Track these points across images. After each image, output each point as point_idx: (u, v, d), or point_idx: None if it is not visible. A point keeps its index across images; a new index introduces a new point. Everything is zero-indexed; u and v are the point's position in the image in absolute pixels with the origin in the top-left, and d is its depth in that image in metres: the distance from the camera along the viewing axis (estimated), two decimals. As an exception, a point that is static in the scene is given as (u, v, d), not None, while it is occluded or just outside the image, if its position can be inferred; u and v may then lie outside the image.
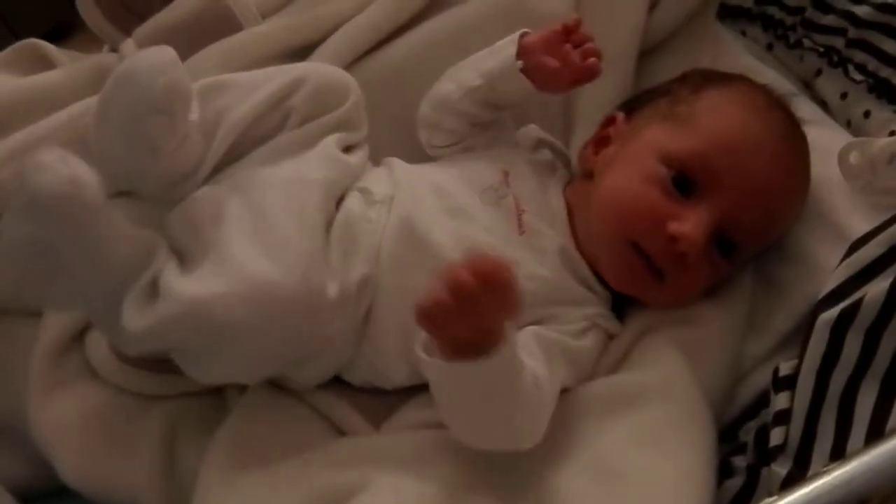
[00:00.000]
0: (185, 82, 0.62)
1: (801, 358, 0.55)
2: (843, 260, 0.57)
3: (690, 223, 0.61)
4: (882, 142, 0.66)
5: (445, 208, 0.65)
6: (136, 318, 0.57)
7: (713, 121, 0.65)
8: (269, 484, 0.59)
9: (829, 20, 0.80)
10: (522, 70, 0.67)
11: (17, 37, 0.85)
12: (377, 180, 0.68)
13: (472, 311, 0.49)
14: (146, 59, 0.61)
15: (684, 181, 0.63)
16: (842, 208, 0.68)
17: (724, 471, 0.60)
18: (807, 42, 0.83)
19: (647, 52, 0.84)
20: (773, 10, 0.87)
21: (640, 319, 0.67)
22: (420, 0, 0.80)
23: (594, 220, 0.66)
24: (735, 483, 0.59)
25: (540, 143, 0.75)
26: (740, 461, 0.60)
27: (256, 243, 0.58)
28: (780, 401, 0.56)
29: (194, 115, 0.63)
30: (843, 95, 0.79)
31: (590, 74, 0.66)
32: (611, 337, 0.67)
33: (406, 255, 0.63)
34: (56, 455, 0.66)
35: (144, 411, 0.68)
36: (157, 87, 0.59)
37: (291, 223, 0.60)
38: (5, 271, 0.59)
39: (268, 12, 0.79)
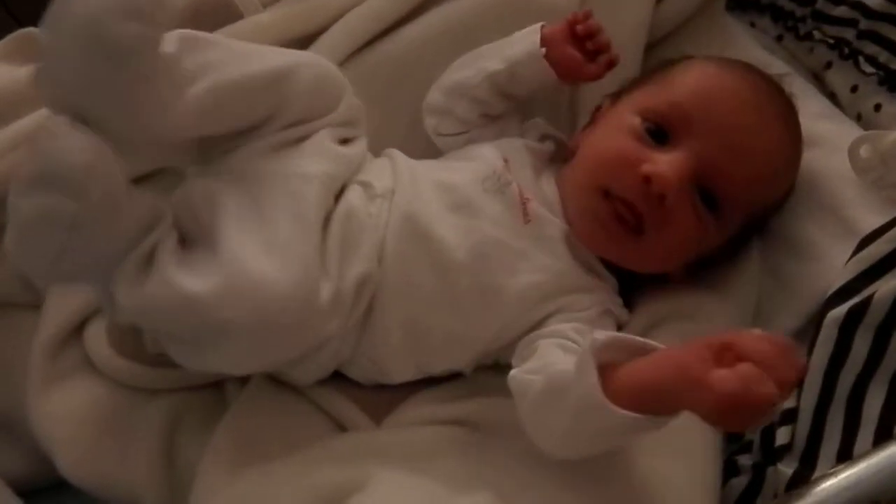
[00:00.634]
0: (148, 33, 0.53)
1: (808, 355, 0.54)
2: (852, 256, 0.56)
3: (664, 164, 0.61)
4: (893, 135, 0.65)
5: (449, 203, 0.64)
6: (128, 291, 0.56)
7: (688, 76, 0.67)
8: (269, 479, 0.59)
9: (840, 11, 0.79)
10: (546, 58, 0.67)
11: (21, 24, 0.84)
12: (378, 173, 0.66)
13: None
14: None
15: (659, 131, 0.64)
16: (852, 203, 0.67)
17: (729, 469, 0.60)
18: (817, 34, 0.81)
19: (655, 45, 0.83)
20: (783, 1, 0.85)
21: (648, 312, 0.66)
22: (421, -8, 0.79)
23: (570, 176, 0.66)
24: (741, 482, 0.58)
25: (545, 137, 0.74)
26: (746, 460, 0.59)
27: (255, 240, 0.57)
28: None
29: (170, 48, 0.55)
30: (854, 88, 0.77)
31: (609, 67, 0.68)
32: (620, 326, 0.65)
33: (410, 251, 0.62)
34: (55, 449, 0.66)
35: (144, 405, 0.68)
36: (112, 26, 0.50)
37: (290, 221, 0.58)
38: (17, 250, 0.55)
39: (268, 1, 0.78)
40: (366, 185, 0.65)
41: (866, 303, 0.52)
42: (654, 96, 0.65)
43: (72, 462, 0.66)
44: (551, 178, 0.69)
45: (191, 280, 0.55)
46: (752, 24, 0.88)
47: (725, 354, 0.45)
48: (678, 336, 0.63)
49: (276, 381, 0.66)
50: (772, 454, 0.55)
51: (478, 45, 0.75)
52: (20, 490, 0.67)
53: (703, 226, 0.63)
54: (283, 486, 0.57)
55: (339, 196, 0.64)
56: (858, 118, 0.76)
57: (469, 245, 0.62)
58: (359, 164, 0.67)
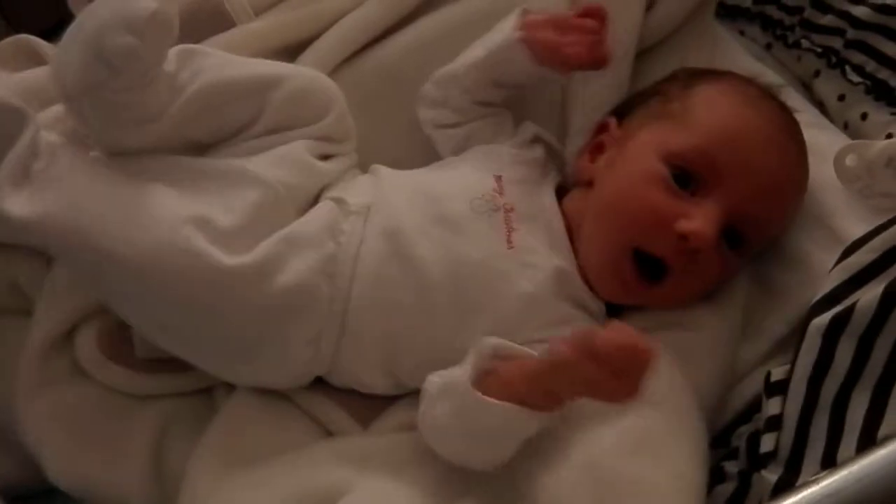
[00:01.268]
0: (171, 20, 0.59)
1: (793, 363, 0.55)
2: (836, 264, 0.56)
3: (700, 219, 0.60)
4: (880, 144, 0.65)
5: (433, 216, 0.64)
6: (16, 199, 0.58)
7: (709, 115, 0.65)
8: (256, 484, 0.59)
9: (828, 20, 0.80)
10: (523, 41, 0.66)
11: (17, 31, 0.84)
12: (356, 190, 0.66)
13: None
14: None
15: (686, 178, 0.62)
16: (839, 212, 0.67)
17: (716, 476, 0.60)
18: (805, 42, 0.82)
19: (645, 52, 0.83)
20: (772, 10, 0.86)
21: (634, 322, 0.66)
22: (414, -2, 0.79)
23: (595, 226, 0.65)
24: (727, 488, 0.58)
25: (535, 140, 0.74)
26: (732, 467, 0.60)
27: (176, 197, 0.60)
28: (771, 406, 0.56)
29: (170, 67, 0.61)
30: (841, 97, 0.78)
31: (592, 59, 0.65)
32: None
33: (387, 269, 0.62)
34: (44, 455, 0.66)
35: (133, 411, 0.68)
36: (140, 8, 0.57)
37: (210, 202, 0.60)
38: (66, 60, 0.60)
39: (261, 9, 0.78)
40: (339, 202, 0.65)
41: (849, 311, 0.52)
42: (676, 137, 0.63)
43: (61, 467, 0.66)
44: (551, 194, 0.68)
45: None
46: (742, 33, 0.89)
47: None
48: (665, 345, 0.63)
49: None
50: (757, 461, 0.55)
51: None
52: (9, 495, 0.67)
53: (727, 266, 0.64)
54: (269, 490, 0.58)
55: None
56: (845, 127, 0.77)
57: (447, 263, 0.62)
58: (332, 179, 0.67)
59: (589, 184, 0.69)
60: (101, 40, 0.57)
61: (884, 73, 0.75)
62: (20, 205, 0.59)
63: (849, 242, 0.58)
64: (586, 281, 0.66)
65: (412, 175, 0.70)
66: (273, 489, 0.58)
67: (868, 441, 0.50)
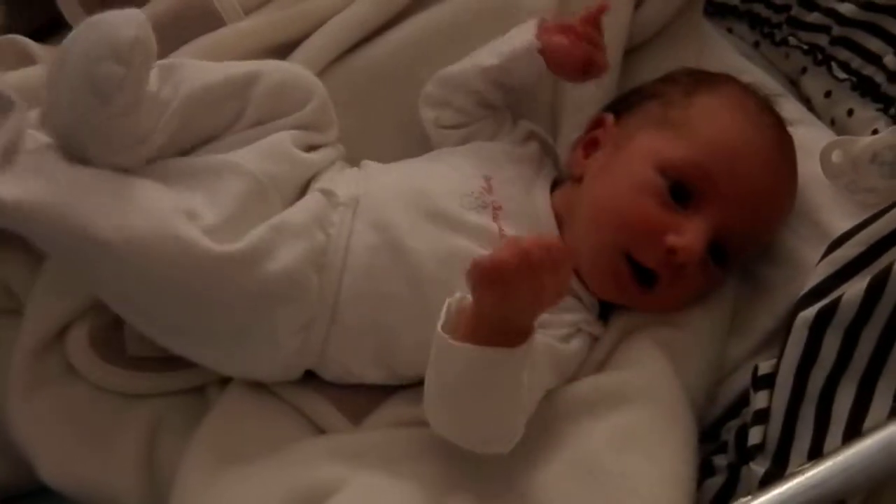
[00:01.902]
0: (150, 43, 0.60)
1: (779, 357, 0.55)
2: (822, 258, 0.57)
3: (689, 235, 0.61)
4: (865, 140, 0.66)
5: (424, 210, 0.65)
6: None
7: (708, 129, 0.65)
8: (248, 481, 0.59)
9: (814, 18, 0.80)
10: (542, 51, 0.67)
11: (9, 31, 0.84)
12: (345, 182, 0.67)
13: (533, 282, 0.50)
14: (118, 12, 0.60)
15: (681, 190, 0.63)
16: (826, 207, 0.68)
17: (705, 470, 0.60)
18: (792, 40, 0.83)
19: (633, 50, 0.83)
20: (760, 8, 0.87)
21: (624, 320, 0.67)
22: (404, -3, 0.79)
23: (585, 226, 0.65)
24: (716, 482, 0.59)
25: (530, 136, 0.74)
26: (721, 460, 0.60)
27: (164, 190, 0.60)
28: (759, 400, 0.56)
29: (153, 87, 0.62)
30: (828, 94, 0.79)
31: (596, 68, 0.66)
32: (595, 339, 0.66)
33: (379, 261, 0.63)
34: (36, 454, 0.66)
35: (125, 410, 0.68)
36: (121, 36, 0.58)
37: (198, 198, 0.60)
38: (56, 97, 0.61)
39: (250, 8, 0.78)
40: (328, 193, 0.65)
41: (835, 304, 0.53)
42: (674, 147, 0.64)
43: (53, 467, 0.66)
44: (545, 194, 0.69)
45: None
46: (730, 30, 0.89)
47: None
48: (654, 341, 0.64)
49: (256, 384, 0.67)
50: (745, 454, 0.56)
51: (460, 49, 0.76)
52: (1, 496, 0.67)
53: (712, 280, 0.65)
54: (261, 487, 0.58)
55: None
56: (832, 123, 0.77)
57: (440, 256, 0.63)
58: (318, 170, 0.67)
59: (579, 179, 0.69)
60: (89, 72, 0.58)
61: (869, 70, 0.75)
62: (5, 187, 0.58)
63: (833, 237, 0.59)
64: (577, 273, 0.66)
65: (402, 168, 0.71)
66: (266, 485, 0.58)
67: (854, 432, 0.50)
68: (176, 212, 0.59)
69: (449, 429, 0.57)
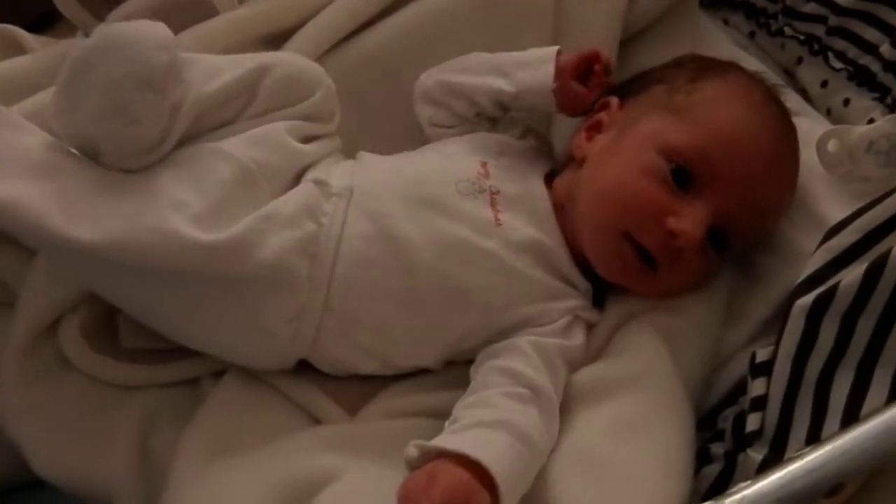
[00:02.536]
0: (178, 63, 0.60)
1: (777, 344, 0.55)
2: (819, 246, 0.57)
3: (689, 219, 0.61)
4: (860, 129, 0.66)
5: (418, 198, 0.64)
6: None
7: (713, 116, 0.65)
8: (243, 471, 0.58)
9: (810, 8, 0.81)
10: (556, 93, 0.69)
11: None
12: (338, 173, 0.66)
13: None
14: (147, 30, 0.60)
15: (683, 175, 0.63)
16: (822, 197, 0.68)
17: (702, 458, 0.60)
18: (788, 30, 0.83)
19: (629, 40, 0.83)
20: (755, -1, 0.87)
21: (620, 307, 0.67)
22: (399, -14, 0.79)
23: (586, 208, 0.65)
24: (713, 469, 0.59)
25: (527, 131, 0.74)
26: (718, 448, 0.60)
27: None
28: (756, 387, 0.56)
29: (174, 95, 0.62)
30: (824, 84, 0.79)
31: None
32: (590, 326, 0.66)
33: (372, 250, 0.62)
34: (29, 447, 0.65)
35: (119, 402, 0.67)
36: (157, 63, 0.58)
37: (185, 188, 0.60)
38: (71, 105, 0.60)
39: (245, -3, 0.78)
40: (320, 184, 0.65)
41: (832, 291, 0.53)
42: (677, 133, 0.64)
43: (46, 460, 0.65)
44: (540, 181, 0.69)
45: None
46: (726, 22, 0.89)
47: None
48: (651, 329, 0.64)
49: (251, 375, 0.66)
50: (742, 441, 0.56)
51: (455, 38, 0.76)
52: (-4, 489, 0.66)
53: (711, 266, 0.65)
54: (257, 477, 0.57)
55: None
56: (828, 113, 0.78)
57: (435, 244, 0.62)
58: (312, 161, 0.67)
59: (581, 161, 0.69)
60: (119, 96, 0.58)
61: (865, 60, 0.75)
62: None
63: (829, 226, 0.59)
64: (574, 260, 0.66)
65: (396, 159, 0.70)
66: (261, 475, 0.57)
67: (852, 419, 0.50)
68: (161, 206, 0.59)
69: None
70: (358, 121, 0.75)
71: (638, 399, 0.59)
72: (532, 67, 0.70)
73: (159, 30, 0.60)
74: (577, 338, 0.64)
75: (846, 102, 0.76)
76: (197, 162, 0.62)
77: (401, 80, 0.75)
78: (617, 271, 0.65)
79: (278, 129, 0.65)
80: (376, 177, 0.66)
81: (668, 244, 0.62)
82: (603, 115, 0.70)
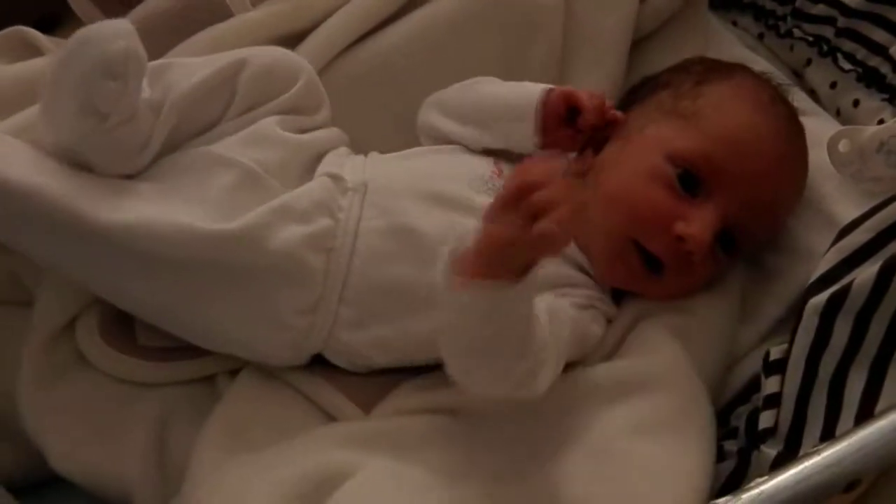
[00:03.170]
0: (141, 52, 0.61)
1: (790, 342, 0.56)
2: (832, 245, 0.57)
3: (697, 224, 0.62)
4: (871, 130, 0.66)
5: (433, 194, 0.65)
6: None
7: (719, 119, 0.65)
8: (259, 467, 0.59)
9: (819, 9, 0.81)
10: (539, 146, 0.68)
11: (4, 26, 0.83)
12: (353, 168, 0.67)
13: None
14: (105, 25, 0.61)
15: (690, 179, 0.63)
16: (832, 196, 0.69)
17: (716, 455, 0.60)
18: (797, 32, 0.83)
19: (639, 42, 0.84)
20: (764, 0, 0.87)
21: (635, 305, 0.67)
22: (410, -10, 0.80)
23: (596, 214, 0.65)
24: (726, 467, 0.59)
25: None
26: (731, 445, 0.61)
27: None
28: (770, 384, 0.57)
29: (146, 92, 0.63)
30: (833, 85, 0.79)
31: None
32: (609, 321, 0.67)
33: (388, 245, 0.63)
34: (47, 443, 0.66)
35: (136, 399, 0.68)
36: (113, 51, 0.58)
37: (191, 198, 0.61)
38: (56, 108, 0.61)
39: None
40: (336, 178, 0.65)
41: (846, 290, 0.53)
42: (683, 138, 0.64)
43: (64, 456, 0.66)
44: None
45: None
46: (734, 23, 0.90)
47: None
48: (666, 328, 0.64)
49: (266, 372, 0.67)
50: (756, 438, 0.56)
51: (464, 42, 0.76)
52: (11, 487, 0.66)
53: (720, 268, 0.66)
54: (273, 473, 0.58)
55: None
56: (837, 114, 0.78)
57: (451, 238, 0.63)
58: (318, 150, 0.68)
59: (589, 169, 0.69)
60: (85, 91, 0.58)
61: (874, 61, 0.76)
62: (14, 169, 0.59)
63: (840, 225, 0.59)
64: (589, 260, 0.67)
65: (410, 156, 0.71)
66: (278, 471, 0.58)
67: (866, 416, 0.51)
68: (171, 210, 0.60)
69: (473, 379, 0.56)
70: (367, 122, 0.75)
71: (659, 398, 0.59)
72: (517, 119, 0.68)
73: (116, 23, 0.61)
74: (595, 324, 0.64)
75: (856, 103, 0.76)
76: (197, 171, 0.63)
77: (411, 83, 0.76)
78: (620, 277, 0.65)
79: (269, 124, 0.66)
80: (390, 172, 0.67)
81: (677, 249, 0.62)
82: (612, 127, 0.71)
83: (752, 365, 0.64)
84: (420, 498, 0.56)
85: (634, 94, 0.74)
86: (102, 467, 0.66)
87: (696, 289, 0.66)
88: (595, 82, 0.78)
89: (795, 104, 0.72)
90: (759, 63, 0.81)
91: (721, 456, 0.60)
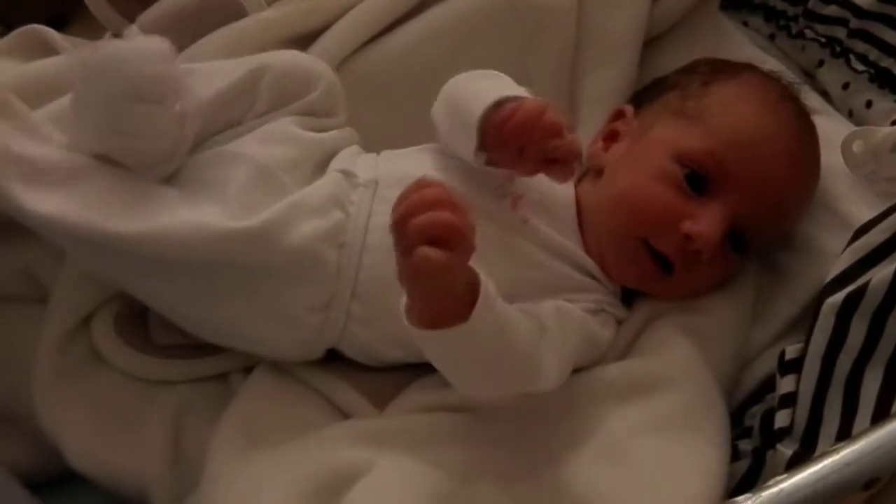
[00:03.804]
0: (174, 72, 0.61)
1: (806, 342, 0.56)
2: (848, 245, 0.58)
3: (705, 222, 0.62)
4: (885, 130, 0.66)
5: None
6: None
7: (725, 119, 0.65)
8: (275, 464, 0.59)
9: (831, 10, 0.81)
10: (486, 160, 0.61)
11: (12, 29, 0.84)
12: (365, 164, 0.67)
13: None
14: (139, 46, 0.61)
15: (697, 179, 0.64)
16: (845, 196, 0.69)
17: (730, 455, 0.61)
18: (809, 33, 0.83)
19: (651, 42, 0.84)
20: (775, 1, 0.87)
21: (647, 305, 0.67)
22: (423, -11, 0.80)
23: (605, 216, 0.66)
24: (741, 466, 0.59)
25: None
26: (746, 445, 0.61)
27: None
28: (785, 384, 0.57)
29: (178, 106, 0.62)
30: (845, 86, 0.79)
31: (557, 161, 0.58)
32: (619, 322, 0.67)
33: None
34: (64, 441, 0.66)
35: (151, 397, 0.68)
36: (143, 75, 0.59)
37: (209, 200, 0.61)
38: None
39: (272, -1, 0.79)
40: (347, 174, 0.65)
41: (862, 290, 0.53)
42: (690, 138, 0.64)
43: (80, 452, 0.66)
44: (563, 188, 0.68)
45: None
46: (745, 24, 0.90)
47: None
48: (679, 328, 0.64)
49: (280, 369, 0.67)
50: (771, 438, 0.57)
51: (476, 42, 0.76)
52: (28, 483, 0.67)
53: (731, 267, 0.66)
54: (289, 470, 0.58)
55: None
56: (850, 115, 0.78)
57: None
58: (331, 149, 0.68)
59: (599, 172, 0.69)
60: (116, 113, 0.59)
61: (887, 62, 0.76)
62: (40, 203, 0.60)
63: (854, 225, 0.59)
64: (597, 262, 0.67)
65: (420, 153, 0.71)
66: (293, 468, 0.58)
67: (882, 415, 0.51)
68: (187, 210, 0.60)
69: (472, 389, 0.57)
70: (380, 122, 0.75)
71: (672, 399, 0.59)
72: (464, 129, 0.60)
73: (151, 43, 0.61)
74: (606, 328, 0.65)
75: (868, 104, 0.76)
76: (213, 170, 0.63)
77: (423, 83, 0.75)
78: (632, 276, 0.66)
79: (285, 123, 0.66)
80: (400, 169, 0.67)
81: (685, 248, 0.62)
82: (618, 124, 0.71)
83: (766, 364, 0.64)
84: (434, 495, 0.56)
85: (643, 96, 0.74)
86: (118, 464, 0.66)
87: (707, 288, 0.66)
88: (607, 81, 0.78)
89: (807, 104, 0.72)
90: (770, 63, 0.81)
91: (735, 455, 0.60)
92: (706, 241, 0.62)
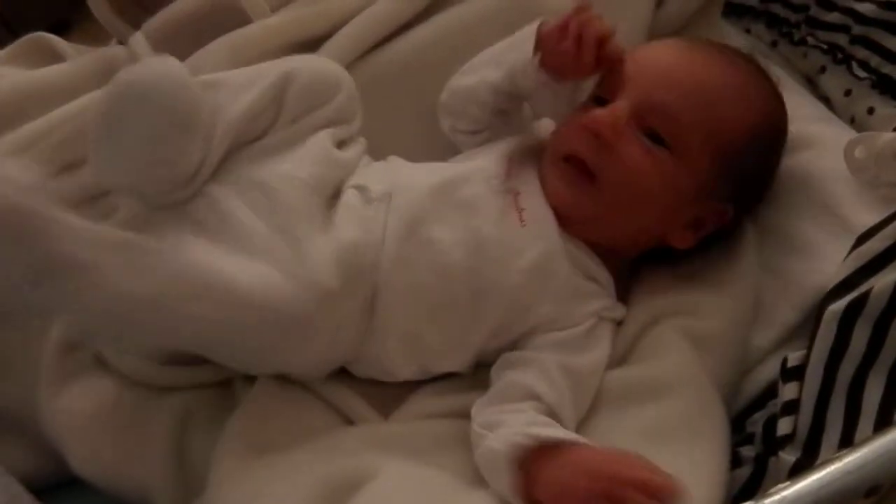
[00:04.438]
0: (209, 102, 0.61)
1: (809, 349, 0.56)
2: (850, 252, 0.58)
3: (599, 111, 0.65)
4: (887, 136, 0.67)
5: (451, 200, 0.65)
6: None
7: (629, 57, 0.67)
8: (279, 471, 0.59)
9: (833, 17, 0.81)
10: (541, 63, 0.68)
11: (16, 35, 0.84)
12: (375, 177, 0.67)
13: None
14: (161, 71, 0.60)
15: (601, 100, 0.67)
16: (848, 201, 0.69)
17: (731, 461, 0.60)
18: (811, 39, 0.84)
19: (653, 48, 0.84)
20: (778, 8, 0.87)
21: (645, 309, 0.67)
22: (428, -6, 0.80)
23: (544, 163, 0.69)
24: (743, 473, 0.59)
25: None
26: (748, 451, 0.61)
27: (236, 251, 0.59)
28: (788, 391, 0.57)
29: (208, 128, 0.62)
30: (847, 92, 0.79)
31: (605, 62, 0.67)
32: (618, 323, 0.67)
33: (411, 254, 0.63)
34: (68, 446, 0.66)
35: (155, 403, 0.68)
36: (181, 103, 0.59)
37: (267, 227, 0.60)
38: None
39: (277, 5, 0.79)
40: (361, 189, 0.66)
41: (864, 297, 0.53)
42: (606, 80, 0.68)
43: (84, 458, 0.66)
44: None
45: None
46: (748, 31, 0.90)
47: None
48: (678, 333, 0.64)
49: (284, 377, 0.67)
50: (774, 444, 0.56)
51: (482, 47, 0.76)
52: (32, 488, 0.67)
53: (656, 160, 0.64)
54: (294, 476, 0.58)
55: (335, 200, 0.65)
56: (852, 121, 0.78)
57: (467, 244, 0.63)
58: (353, 167, 0.68)
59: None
60: (164, 144, 0.59)
61: (889, 68, 0.76)
62: None
63: (856, 231, 0.59)
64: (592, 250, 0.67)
65: (426, 166, 0.71)
66: (299, 474, 0.58)
67: (884, 423, 0.51)
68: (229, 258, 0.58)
69: None
70: (387, 127, 0.75)
71: (671, 405, 0.59)
72: (518, 46, 0.69)
73: (175, 68, 0.60)
74: (602, 345, 0.65)
75: (870, 111, 0.77)
76: (263, 190, 0.62)
77: (429, 88, 0.76)
78: (564, 195, 0.66)
79: (323, 140, 0.66)
80: (411, 180, 0.67)
81: (592, 141, 0.64)
82: None
83: (768, 371, 0.64)
84: (439, 501, 0.57)
85: None
86: (122, 470, 0.66)
87: (641, 187, 0.64)
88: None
89: (809, 110, 0.72)
90: (772, 70, 0.81)
91: (737, 462, 0.60)
92: (599, 122, 0.63)
